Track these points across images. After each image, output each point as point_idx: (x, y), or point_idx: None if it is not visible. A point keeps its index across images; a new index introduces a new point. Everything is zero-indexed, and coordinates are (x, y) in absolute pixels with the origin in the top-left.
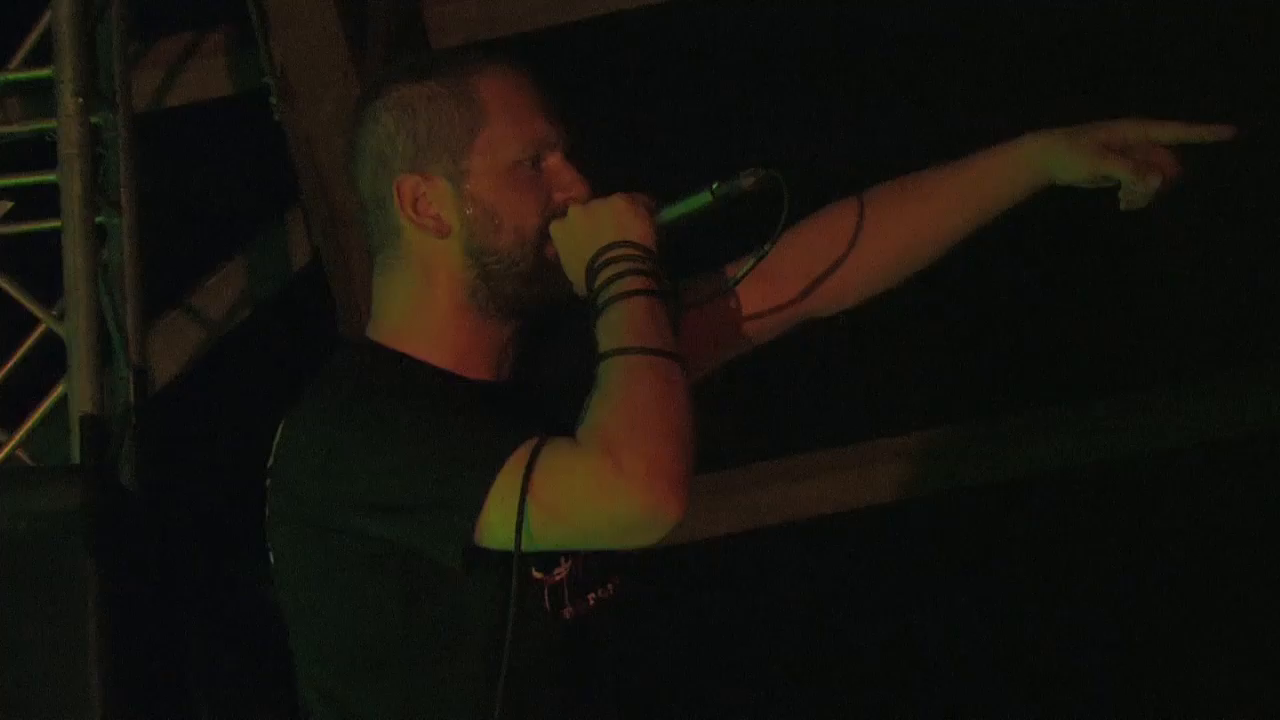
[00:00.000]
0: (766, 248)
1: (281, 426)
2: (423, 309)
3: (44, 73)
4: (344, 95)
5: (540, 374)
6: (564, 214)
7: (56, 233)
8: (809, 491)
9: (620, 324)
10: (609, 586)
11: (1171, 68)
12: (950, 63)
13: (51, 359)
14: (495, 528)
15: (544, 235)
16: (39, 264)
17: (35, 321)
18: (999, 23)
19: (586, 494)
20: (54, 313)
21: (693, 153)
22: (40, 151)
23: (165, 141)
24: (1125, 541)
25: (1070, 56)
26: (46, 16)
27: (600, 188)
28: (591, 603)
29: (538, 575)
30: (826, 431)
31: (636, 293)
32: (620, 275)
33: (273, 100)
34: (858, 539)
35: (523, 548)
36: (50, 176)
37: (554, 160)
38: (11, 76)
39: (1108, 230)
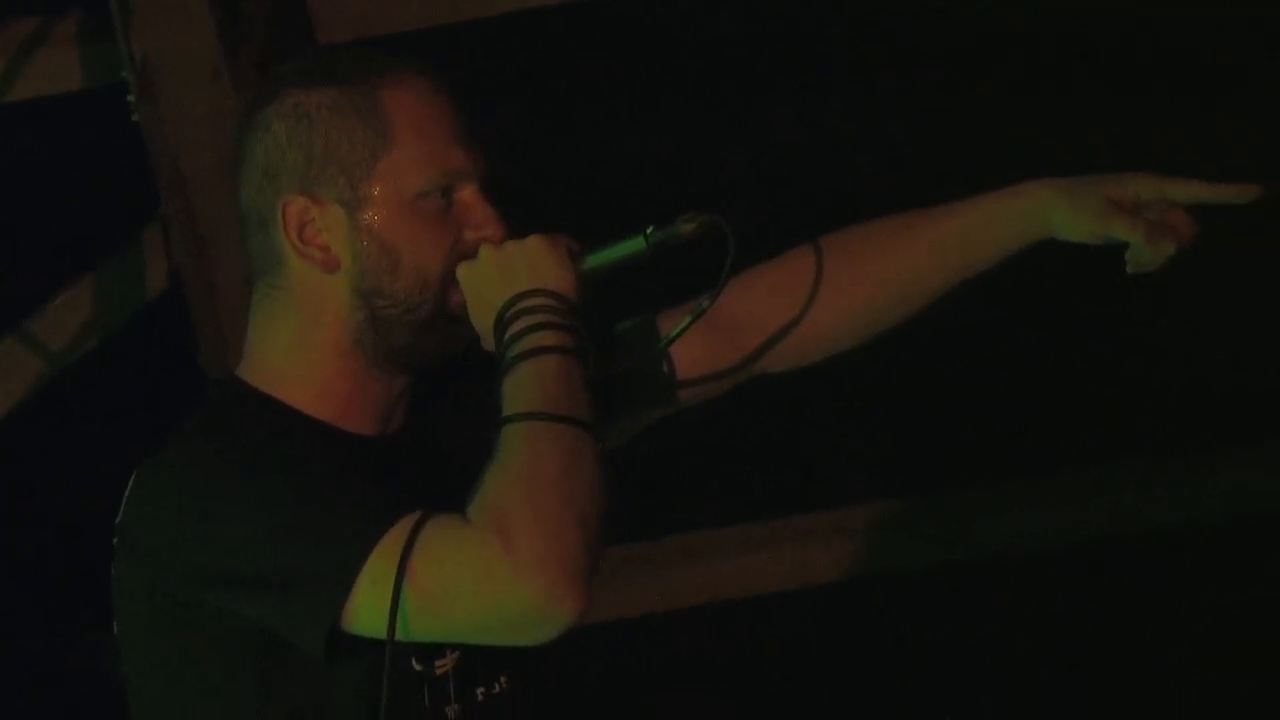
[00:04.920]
0: (705, 303)
1: (134, 478)
2: (304, 351)
3: None
4: (214, 95)
5: (437, 428)
6: (474, 256)
7: None
8: (733, 570)
9: (527, 385)
10: (502, 681)
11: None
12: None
13: None
14: (365, 613)
15: (449, 280)
16: None
17: None
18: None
19: (470, 581)
20: None
21: (612, 168)
22: None
23: (3, 143)
24: (1092, 633)
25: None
26: None
27: (519, 229)
28: (480, 698)
29: (417, 667)
30: (757, 503)
31: (549, 349)
32: (532, 329)
33: (131, 98)
34: (790, 624)
35: (397, 637)
36: None
37: (467, 193)
38: None
39: (1092, 280)
